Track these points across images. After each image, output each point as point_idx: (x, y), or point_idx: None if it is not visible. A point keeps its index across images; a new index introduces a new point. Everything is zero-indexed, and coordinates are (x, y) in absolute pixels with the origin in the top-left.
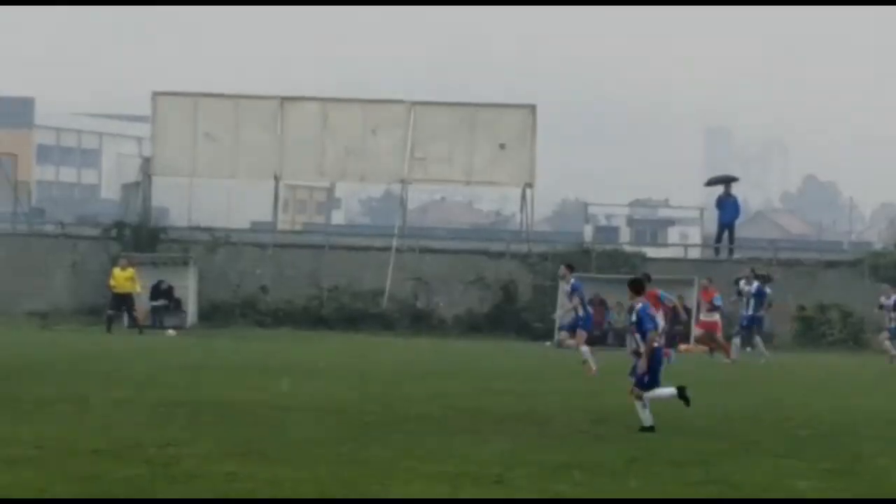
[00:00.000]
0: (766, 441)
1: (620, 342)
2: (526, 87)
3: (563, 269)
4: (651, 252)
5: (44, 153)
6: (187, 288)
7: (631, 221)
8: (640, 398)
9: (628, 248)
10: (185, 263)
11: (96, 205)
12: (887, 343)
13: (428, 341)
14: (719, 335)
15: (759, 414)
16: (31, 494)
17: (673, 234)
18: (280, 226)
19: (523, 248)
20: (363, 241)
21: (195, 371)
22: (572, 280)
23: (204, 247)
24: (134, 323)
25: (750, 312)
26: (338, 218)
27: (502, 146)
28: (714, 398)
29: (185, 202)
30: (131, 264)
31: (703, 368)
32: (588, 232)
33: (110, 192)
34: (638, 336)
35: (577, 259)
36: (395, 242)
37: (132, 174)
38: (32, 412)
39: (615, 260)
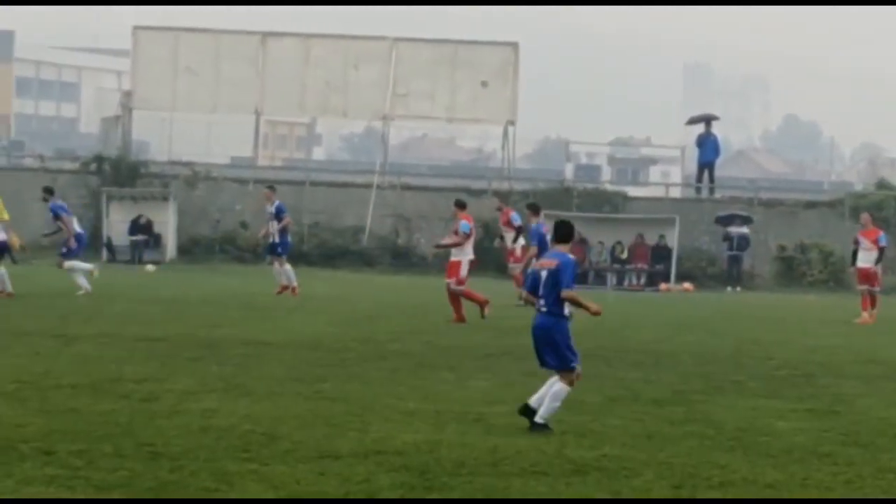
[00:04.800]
0: (747, 381)
1: (601, 281)
2: (507, 24)
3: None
4: (632, 191)
5: (23, 86)
6: (167, 223)
7: (612, 160)
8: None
9: (610, 187)
10: (165, 198)
11: (75, 139)
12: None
13: (408, 278)
14: None
15: (739, 354)
16: (10, 429)
17: (654, 173)
18: (260, 161)
19: (504, 185)
20: (344, 177)
21: (174, 306)
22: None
23: (184, 181)
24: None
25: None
26: (318, 154)
27: (484, 83)
28: (694, 337)
29: (165, 137)
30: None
31: (682, 308)
32: (569, 170)
33: (90, 125)
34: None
35: (558, 197)
36: (376, 179)
37: (112, 108)
38: (10, 347)
39: (596, 199)
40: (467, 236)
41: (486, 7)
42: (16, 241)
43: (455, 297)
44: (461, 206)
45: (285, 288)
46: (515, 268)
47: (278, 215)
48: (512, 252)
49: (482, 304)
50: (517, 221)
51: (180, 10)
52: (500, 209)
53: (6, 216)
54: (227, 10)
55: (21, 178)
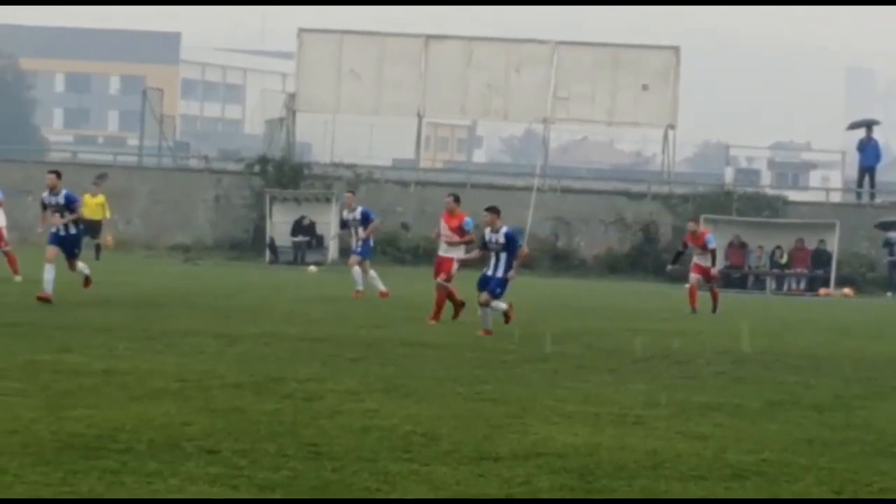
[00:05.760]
0: None
1: (760, 285)
2: (669, 27)
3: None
4: (792, 195)
5: (189, 88)
6: (329, 224)
7: (772, 164)
8: (487, 305)
9: (769, 191)
10: (328, 200)
11: (240, 140)
12: None
13: (568, 281)
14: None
15: None
16: (174, 427)
17: (814, 178)
18: (422, 163)
19: (664, 189)
20: (504, 179)
21: (336, 307)
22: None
23: (346, 183)
24: (96, 252)
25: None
26: (479, 156)
27: (645, 87)
28: (854, 342)
29: (328, 139)
30: (101, 190)
31: (842, 312)
32: (729, 174)
33: (254, 127)
34: (504, 254)
35: (718, 201)
36: (536, 182)
37: (276, 110)
38: (175, 345)
39: (756, 203)
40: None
41: (647, 7)
42: (110, 241)
43: (443, 296)
44: (459, 200)
45: (384, 294)
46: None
47: (364, 221)
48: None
49: (459, 306)
50: (711, 244)
51: (343, 12)
52: (693, 232)
53: (108, 214)
54: (390, 10)
55: (186, 180)
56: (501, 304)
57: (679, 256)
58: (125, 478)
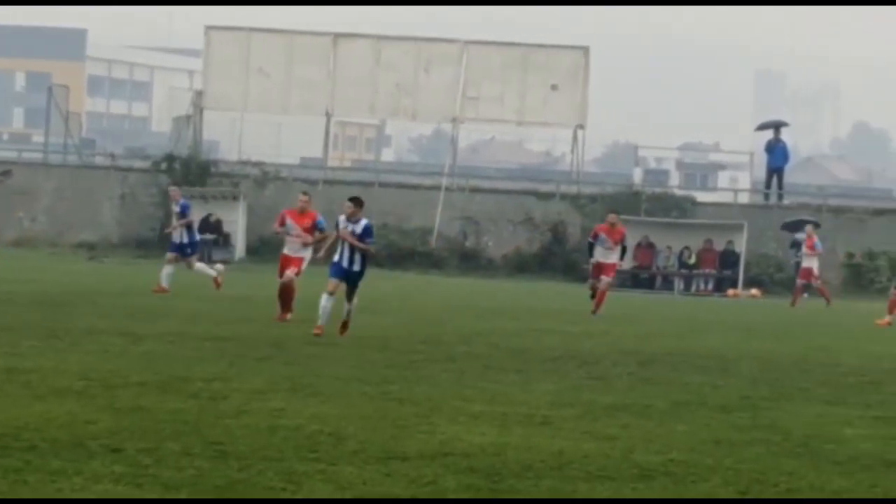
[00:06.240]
0: (814, 387)
1: (668, 286)
2: (577, 27)
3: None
4: (701, 196)
5: (95, 85)
6: (236, 222)
7: (681, 165)
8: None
9: (678, 192)
10: (235, 198)
11: (147, 137)
12: None
13: (476, 281)
14: None
15: (806, 360)
16: (78, 426)
17: (723, 179)
18: (330, 162)
19: (573, 189)
20: (413, 178)
21: (242, 306)
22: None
23: (254, 181)
24: None
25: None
26: (387, 155)
27: (554, 87)
28: (761, 343)
29: (236, 137)
30: None
31: (750, 313)
32: (638, 174)
33: (161, 125)
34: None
35: (626, 201)
36: (444, 181)
37: (183, 107)
38: (79, 344)
39: (665, 203)
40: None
41: (555, 7)
42: None
43: (290, 293)
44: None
45: (217, 281)
46: None
47: (183, 213)
48: None
49: (288, 310)
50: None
51: (252, 10)
52: (613, 224)
53: None
54: (298, 10)
55: (92, 177)
56: (355, 301)
57: (592, 248)
58: (28, 476)
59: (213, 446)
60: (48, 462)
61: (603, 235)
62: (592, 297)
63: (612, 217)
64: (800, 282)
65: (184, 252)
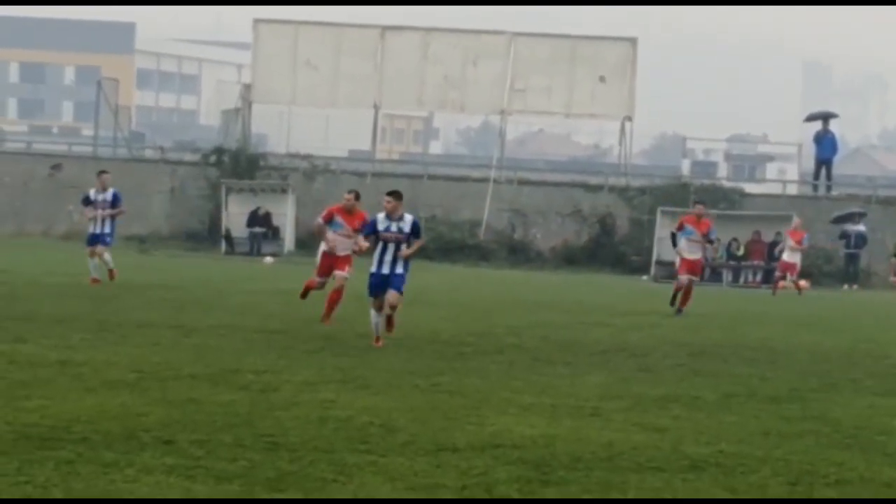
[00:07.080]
0: (863, 379)
1: (717, 278)
2: (626, 21)
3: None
4: (749, 188)
5: (144, 78)
6: (285, 215)
7: (729, 156)
8: (381, 309)
9: (726, 184)
10: (284, 191)
11: (195, 131)
12: None
13: (524, 273)
14: None
15: (855, 352)
16: (130, 418)
17: (771, 170)
18: (378, 155)
19: (621, 181)
20: (461, 171)
21: (292, 298)
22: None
23: (302, 174)
24: None
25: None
26: (435, 148)
27: (602, 79)
28: (810, 334)
29: (284, 130)
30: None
31: (801, 305)
32: (686, 166)
33: (209, 118)
34: (403, 246)
35: (675, 193)
36: (492, 173)
37: (232, 101)
38: (130, 337)
39: (713, 195)
40: None
41: (605, 7)
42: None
43: (339, 297)
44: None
45: (96, 280)
46: None
47: (114, 203)
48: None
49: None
50: (714, 234)
51: (300, 9)
52: (699, 215)
53: None
54: (347, 7)
55: (141, 170)
56: (399, 299)
57: (675, 238)
58: (81, 468)
59: (265, 438)
60: (101, 454)
61: (689, 227)
62: (674, 298)
63: (699, 208)
64: (778, 274)
65: (104, 242)
